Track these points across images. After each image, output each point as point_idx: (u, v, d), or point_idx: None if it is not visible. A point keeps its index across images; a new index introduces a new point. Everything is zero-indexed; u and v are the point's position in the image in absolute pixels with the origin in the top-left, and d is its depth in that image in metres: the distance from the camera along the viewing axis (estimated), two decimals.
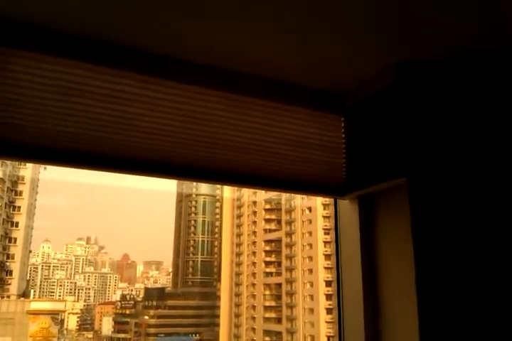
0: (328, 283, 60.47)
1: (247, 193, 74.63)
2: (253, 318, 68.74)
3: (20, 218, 54.84)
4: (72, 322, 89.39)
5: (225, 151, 1.83)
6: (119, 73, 1.61)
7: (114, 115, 1.63)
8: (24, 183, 56.47)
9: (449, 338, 1.83)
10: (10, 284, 49.88)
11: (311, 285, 61.08)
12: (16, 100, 1.45)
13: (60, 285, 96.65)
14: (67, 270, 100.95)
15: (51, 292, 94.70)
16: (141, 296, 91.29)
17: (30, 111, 1.46)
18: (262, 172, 1.97)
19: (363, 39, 1.77)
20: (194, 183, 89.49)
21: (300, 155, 2.08)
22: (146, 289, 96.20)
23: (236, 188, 77.79)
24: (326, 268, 60.26)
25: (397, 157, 1.96)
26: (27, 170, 57.14)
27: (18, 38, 1.44)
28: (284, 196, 65.88)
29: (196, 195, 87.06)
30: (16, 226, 54.14)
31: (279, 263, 66.77)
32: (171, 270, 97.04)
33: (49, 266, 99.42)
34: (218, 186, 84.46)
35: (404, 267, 1.93)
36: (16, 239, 53.51)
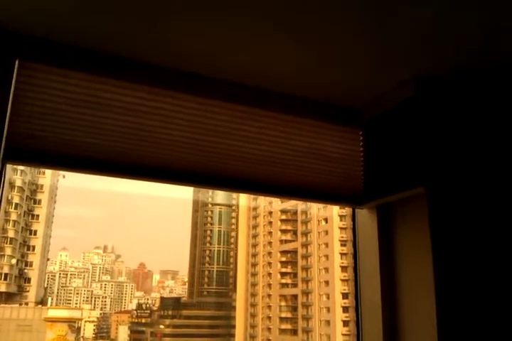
0: (344, 296, 59.80)
1: (263, 203, 74.53)
2: (269, 329, 68.18)
3: (39, 226, 55.44)
4: (88, 330, 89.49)
5: (238, 162, 1.90)
6: (137, 87, 1.69)
7: (128, 127, 1.70)
8: (43, 192, 57.16)
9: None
10: (28, 291, 50.34)
11: (328, 298, 60.48)
12: (38, 112, 1.54)
13: (77, 293, 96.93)
14: (84, 278, 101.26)
15: (68, 300, 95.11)
16: (156, 305, 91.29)
17: (50, 122, 1.55)
18: (279, 181, 2.03)
19: (380, 55, 1.81)
20: (210, 192, 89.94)
21: (318, 167, 2.15)
22: (162, 298, 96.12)
23: (252, 198, 77.87)
24: (342, 280, 59.65)
25: (416, 166, 1.98)
26: (46, 179, 57.87)
27: (40, 54, 1.53)
28: (300, 206, 65.65)
29: (212, 205, 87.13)
30: (35, 234, 54.71)
31: (295, 275, 66.29)
32: (186, 280, 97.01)
33: (66, 274, 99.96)
34: (234, 196, 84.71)
35: (423, 277, 1.93)
36: (34, 247, 54.05)
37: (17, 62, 1.49)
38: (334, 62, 1.84)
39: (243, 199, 78.56)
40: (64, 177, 63.94)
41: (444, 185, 1.96)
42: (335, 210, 61.91)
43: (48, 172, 57.96)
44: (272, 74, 1.89)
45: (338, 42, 1.73)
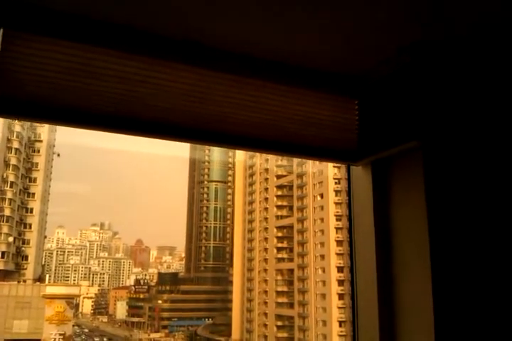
0: (339, 269, 60.64)
1: (258, 179, 74.74)
2: (265, 303, 69.33)
3: (35, 204, 55.53)
4: (86, 307, 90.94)
5: (233, 126, 1.88)
6: (130, 56, 1.61)
7: (122, 94, 1.65)
8: (38, 170, 57.05)
9: (462, 311, 1.81)
10: (26, 269, 50.76)
11: (323, 271, 61.32)
12: (26, 80, 1.48)
13: (75, 270, 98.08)
14: (81, 255, 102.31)
15: (66, 277, 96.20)
16: (154, 281, 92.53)
17: (39, 89, 1.50)
18: (272, 137, 1.99)
19: (376, 22, 1.76)
20: (205, 169, 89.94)
21: (312, 134, 2.10)
22: (160, 274, 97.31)
23: (248, 174, 77.95)
24: (337, 254, 60.39)
25: (411, 120, 1.95)
26: (40, 157, 57.65)
27: (26, 22, 1.45)
28: (296, 182, 65.81)
29: (208, 182, 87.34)
30: (31, 212, 54.86)
31: (291, 249, 67.05)
32: (183, 255, 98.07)
33: (64, 252, 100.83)
34: (230, 172, 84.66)
35: (418, 233, 1.90)
36: (30, 225, 54.24)
37: (1, 31, 1.41)
38: (330, 29, 1.79)
39: (239, 176, 78.75)
40: (58, 155, 63.64)
41: (438, 139, 1.93)
42: (330, 186, 62.12)
43: (43, 150, 57.71)
44: (267, 43, 1.84)
45: (337, 9, 1.67)
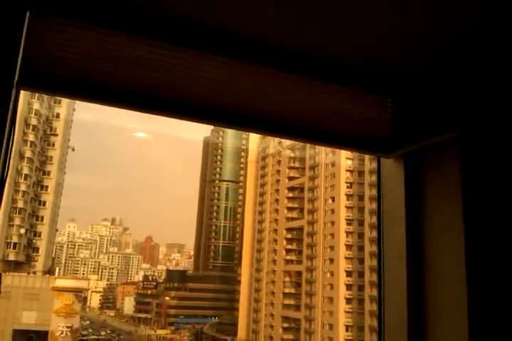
0: (348, 273, 60.38)
1: (270, 181, 74.62)
2: (272, 304, 69.20)
3: (48, 197, 55.98)
4: (95, 300, 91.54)
5: (262, 115, 1.83)
6: (156, 43, 1.58)
7: (145, 79, 1.63)
8: (52, 163, 57.50)
9: (499, 316, 1.71)
10: (36, 261, 51.22)
11: (332, 275, 61.05)
12: (50, 60, 1.48)
13: (84, 264, 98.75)
14: (91, 249, 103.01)
15: (75, 270, 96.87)
16: (162, 278, 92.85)
17: (62, 69, 1.50)
18: (302, 125, 1.92)
19: (412, 18, 1.70)
20: (217, 168, 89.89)
21: (342, 124, 2.04)
22: (168, 271, 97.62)
23: (260, 175, 77.80)
24: (347, 258, 60.14)
25: (449, 111, 1.86)
26: (55, 150, 58.11)
27: (52, 5, 1.44)
28: (307, 184, 65.60)
29: (219, 181, 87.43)
30: (44, 205, 55.30)
31: (300, 252, 66.86)
32: (192, 253, 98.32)
33: (74, 245, 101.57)
34: (242, 172, 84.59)
35: (453, 230, 1.81)
36: (42, 218, 54.70)
37: (28, 14, 1.41)
38: (364, 22, 1.72)
39: (250, 176, 78.73)
40: (73, 150, 64.08)
41: (476, 129, 1.83)
42: (342, 190, 61.87)
43: (58, 144, 58.14)
44: (305, 37, 1.78)
45: (372, 7, 1.63)
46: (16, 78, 1.36)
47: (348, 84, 1.97)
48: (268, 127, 1.87)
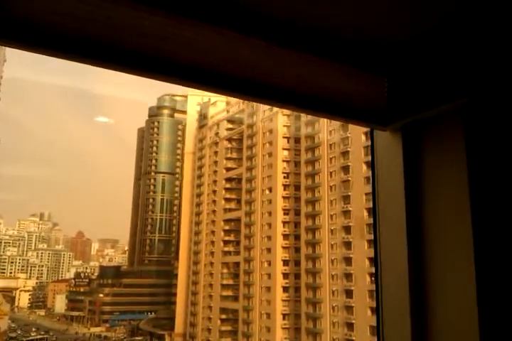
0: (285, 263, 61.43)
1: (207, 172, 74.22)
2: (210, 296, 69.20)
3: None
4: (23, 300, 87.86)
5: (259, 91, 1.73)
6: (153, 11, 1.43)
7: (140, 48, 1.55)
8: None
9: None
10: None
11: (269, 264, 61.84)
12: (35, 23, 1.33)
13: (12, 262, 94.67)
14: (19, 246, 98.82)
15: (2, 269, 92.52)
16: (96, 274, 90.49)
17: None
18: (290, 86, 1.77)
19: None
20: (155, 141, 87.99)
21: (336, 92, 1.89)
22: (101, 267, 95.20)
23: (197, 166, 77.14)
24: (284, 247, 61.11)
25: (458, 77, 1.71)
26: None
27: None
28: (245, 175, 65.83)
29: (155, 173, 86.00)
30: None
31: (238, 243, 67.20)
32: (127, 248, 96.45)
33: (0, 243, 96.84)
34: (178, 164, 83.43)
35: (458, 212, 1.66)
36: None
37: None
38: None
39: (187, 167, 77.95)
40: None
41: (489, 95, 1.70)
42: (279, 179, 62.68)
43: None
44: (297, 8, 1.64)
45: None
46: None
47: (345, 60, 1.84)
48: (264, 94, 1.75)
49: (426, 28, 1.75)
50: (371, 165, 2.00)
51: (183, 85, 1.71)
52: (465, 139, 1.68)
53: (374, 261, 1.89)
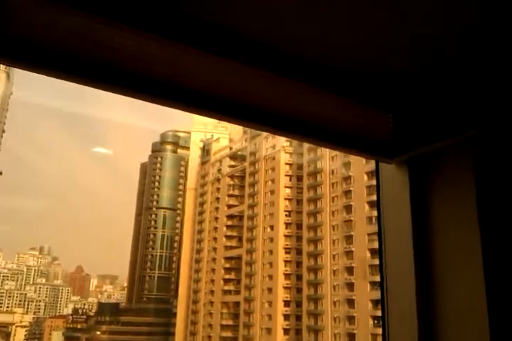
0: (286, 303, 60.17)
1: (209, 208, 73.81)
2: (209, 337, 67.52)
3: None
4: (19, 336, 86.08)
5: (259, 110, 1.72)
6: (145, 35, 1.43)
7: (134, 72, 1.56)
8: None
9: None
10: None
11: (270, 305, 60.63)
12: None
13: (9, 296, 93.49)
14: (17, 280, 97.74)
15: None
16: (94, 311, 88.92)
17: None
18: (292, 115, 1.75)
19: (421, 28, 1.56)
20: (157, 176, 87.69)
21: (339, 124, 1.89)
22: (100, 304, 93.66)
23: (198, 203, 76.74)
24: (285, 287, 60.00)
25: (467, 108, 1.68)
26: None
27: None
28: (246, 212, 65.34)
29: (156, 209, 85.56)
30: None
31: (239, 281, 65.99)
32: (126, 285, 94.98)
33: None
34: (179, 200, 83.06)
35: (467, 247, 1.59)
36: None
37: None
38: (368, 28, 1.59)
39: (189, 203, 77.58)
40: (1, 173, 61.45)
41: (499, 126, 1.66)
42: (281, 217, 62.16)
43: None
44: (297, 37, 1.64)
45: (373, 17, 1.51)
46: None
47: (348, 94, 1.81)
48: (268, 123, 1.75)
49: (430, 60, 1.72)
50: (376, 199, 1.95)
51: (187, 111, 1.70)
52: (474, 171, 1.64)
53: (381, 303, 1.80)
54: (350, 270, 52.70)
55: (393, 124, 1.89)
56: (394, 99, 1.86)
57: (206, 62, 1.59)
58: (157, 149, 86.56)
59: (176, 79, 1.59)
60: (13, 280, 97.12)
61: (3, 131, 61.12)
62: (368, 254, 49.72)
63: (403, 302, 1.73)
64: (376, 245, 49.52)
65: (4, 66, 61.46)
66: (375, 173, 2.00)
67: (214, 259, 70.05)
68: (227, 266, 68.19)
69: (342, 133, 1.84)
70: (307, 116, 1.77)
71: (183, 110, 1.70)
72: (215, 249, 70.31)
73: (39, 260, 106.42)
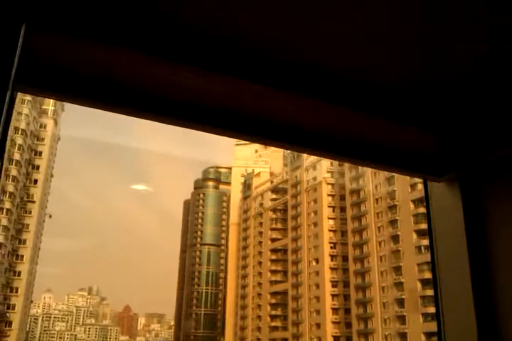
0: (335, 339, 58.37)
1: (252, 243, 73.57)
2: None
3: (23, 267, 54.09)
4: None
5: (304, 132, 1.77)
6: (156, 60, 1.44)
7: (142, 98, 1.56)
8: (28, 231, 56.12)
9: None
10: (8, 336, 48.42)
11: (319, 340, 58.98)
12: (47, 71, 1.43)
13: (60, 337, 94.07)
14: (67, 321, 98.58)
15: None
16: None
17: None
18: (339, 138, 1.76)
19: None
20: (200, 213, 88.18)
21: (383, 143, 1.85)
22: None
23: (241, 237, 76.68)
24: (333, 322, 58.40)
25: None
26: (32, 218, 57.02)
27: (50, 17, 1.34)
28: (290, 246, 64.77)
29: (201, 245, 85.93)
30: (19, 275, 53.27)
31: (285, 317, 64.74)
32: (173, 323, 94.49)
33: (49, 317, 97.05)
34: (223, 235, 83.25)
35: None
36: (17, 289, 52.49)
37: (24, 27, 1.28)
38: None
39: (232, 239, 77.63)
40: (50, 216, 63.00)
41: None
42: (326, 249, 61.26)
43: (35, 211, 57.04)
44: (349, 61, 1.63)
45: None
46: (11, 81, 1.31)
47: (394, 116, 1.77)
48: (311, 145, 1.74)
49: (471, 76, 1.66)
50: (427, 221, 1.84)
51: (219, 134, 1.67)
52: None
53: (437, 337, 1.68)
54: (400, 302, 51.03)
55: (439, 142, 1.82)
56: (438, 117, 1.79)
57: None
58: (199, 186, 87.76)
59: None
60: (64, 321, 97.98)
61: (52, 176, 63.49)
62: (419, 285, 48.18)
63: (463, 335, 1.60)
64: (427, 275, 48.06)
65: (52, 113, 64.75)
66: (424, 194, 1.92)
67: (259, 295, 69.20)
68: (273, 301, 67.15)
69: (391, 154, 1.79)
70: (358, 140, 1.76)
71: (233, 137, 1.72)
72: (260, 284, 69.56)
73: (88, 300, 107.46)
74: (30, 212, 56.48)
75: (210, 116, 1.55)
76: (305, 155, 65.52)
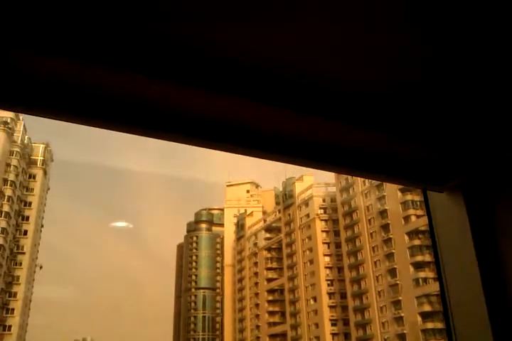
0: None
1: (248, 285, 72.26)
2: None
3: (13, 321, 52.44)
4: None
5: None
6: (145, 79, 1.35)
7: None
8: (19, 284, 54.82)
9: None
10: None
11: None
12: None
13: None
14: None
15: None
16: None
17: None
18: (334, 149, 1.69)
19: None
20: (194, 256, 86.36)
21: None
22: None
23: (237, 279, 75.25)
24: None
25: None
26: (22, 269, 55.91)
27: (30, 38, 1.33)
28: (287, 285, 63.79)
29: (195, 289, 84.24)
30: (9, 330, 51.58)
31: None
32: None
33: None
34: (218, 278, 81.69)
35: None
36: None
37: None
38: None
39: (227, 281, 76.32)
40: (41, 268, 61.90)
41: None
42: (323, 288, 60.49)
43: (25, 263, 55.96)
44: (342, 76, 1.55)
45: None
46: None
47: (390, 130, 1.71)
48: (310, 158, 1.65)
49: (467, 87, 1.57)
50: (430, 235, 1.71)
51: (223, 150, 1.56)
52: None
53: (446, 331, 1.57)
54: (402, 337, 50.17)
55: (438, 149, 1.73)
56: (435, 128, 1.70)
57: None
58: (192, 229, 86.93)
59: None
60: None
61: (42, 226, 62.75)
62: (419, 318, 47.55)
63: None
64: (426, 308, 47.33)
65: (41, 163, 63.77)
66: (425, 205, 1.80)
67: (258, 338, 67.51)
68: None
69: (389, 164, 1.70)
70: (356, 151, 1.69)
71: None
72: (258, 326, 67.97)
73: None
74: (21, 264, 55.37)
75: (199, 128, 1.45)
76: (297, 192, 65.75)
